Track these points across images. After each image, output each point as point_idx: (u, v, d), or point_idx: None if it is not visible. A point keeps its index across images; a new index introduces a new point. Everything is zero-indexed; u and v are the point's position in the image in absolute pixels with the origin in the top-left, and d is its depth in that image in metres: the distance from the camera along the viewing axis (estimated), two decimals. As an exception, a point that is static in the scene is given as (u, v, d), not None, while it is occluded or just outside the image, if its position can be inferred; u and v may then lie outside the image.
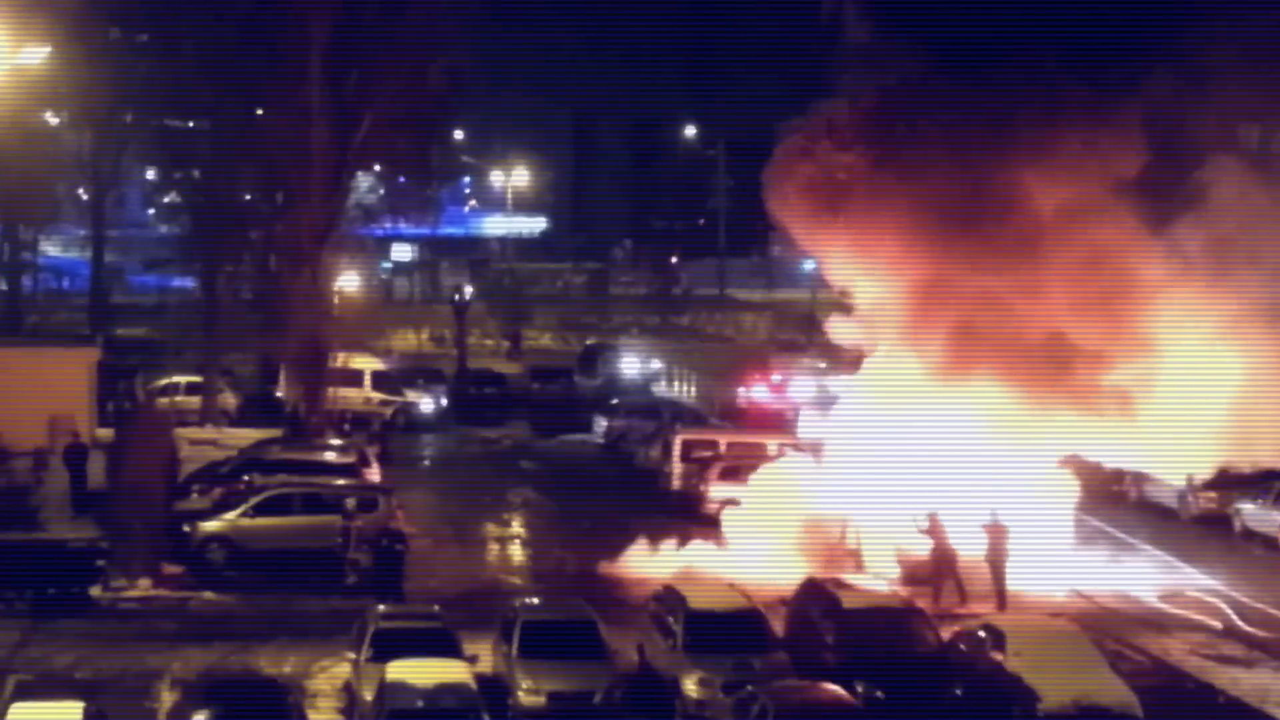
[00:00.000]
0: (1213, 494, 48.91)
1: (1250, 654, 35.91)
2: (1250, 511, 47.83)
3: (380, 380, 66.18)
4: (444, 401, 69.68)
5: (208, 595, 39.13)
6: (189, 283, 70.66)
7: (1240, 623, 38.05)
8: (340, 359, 58.90)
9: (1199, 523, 49.21)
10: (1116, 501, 48.94)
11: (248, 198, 64.78)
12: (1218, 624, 38.08)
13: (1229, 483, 47.38)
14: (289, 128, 54.71)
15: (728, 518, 43.86)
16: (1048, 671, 30.31)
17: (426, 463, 60.03)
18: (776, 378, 74.89)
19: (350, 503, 41.26)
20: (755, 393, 73.13)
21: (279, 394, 64.25)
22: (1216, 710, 32.49)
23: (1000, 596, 38.65)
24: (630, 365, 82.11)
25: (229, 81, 56.40)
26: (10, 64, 43.55)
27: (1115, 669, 31.64)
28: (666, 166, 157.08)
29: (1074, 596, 39.77)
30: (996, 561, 39.01)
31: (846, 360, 78.98)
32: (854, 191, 42.87)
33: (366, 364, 65.60)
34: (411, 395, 68.06)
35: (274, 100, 56.32)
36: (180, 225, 70.90)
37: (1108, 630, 36.62)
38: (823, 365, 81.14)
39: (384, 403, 65.33)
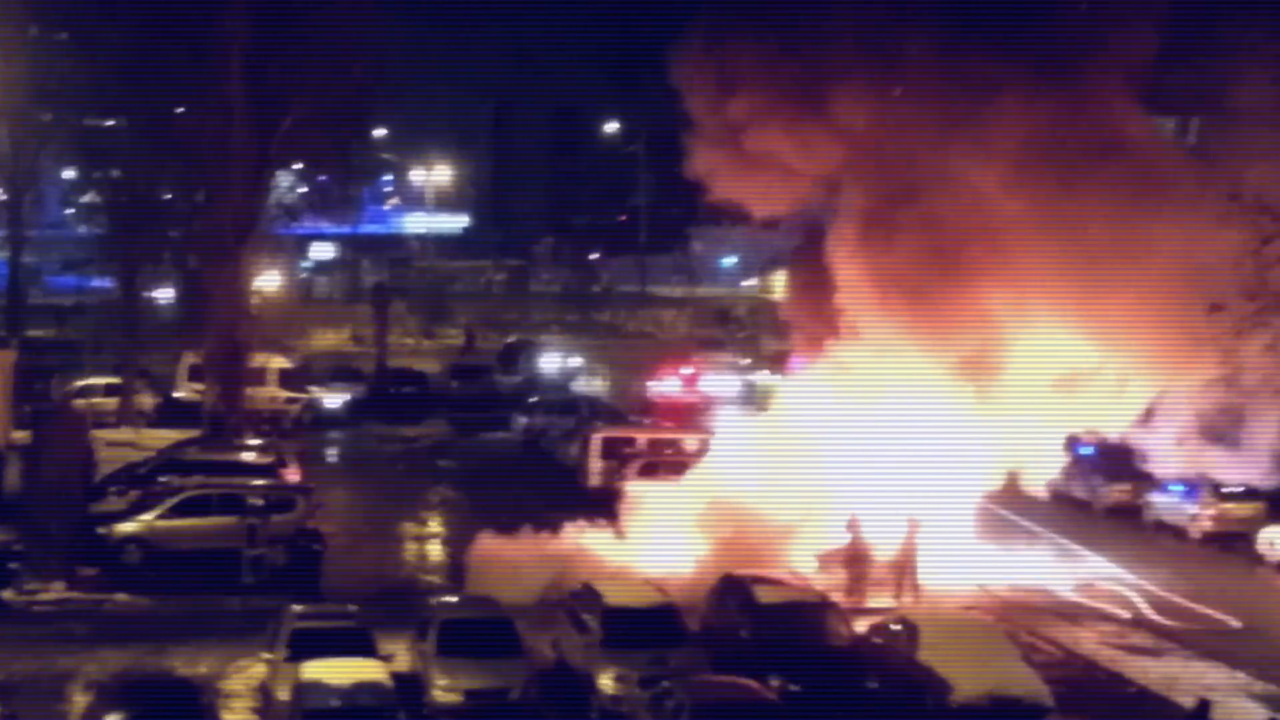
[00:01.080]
0: (1124, 486, 49.58)
1: (1159, 644, 36.41)
2: (1161, 502, 48.50)
3: (286, 378, 65.81)
4: (350, 398, 69.69)
5: (122, 597, 38.92)
6: (107, 283, 70.21)
7: (1150, 613, 38.59)
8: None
9: (1111, 514, 49.88)
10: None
11: (167, 197, 64.45)
12: (1127, 614, 38.58)
13: (1139, 474, 48.08)
14: (209, 126, 54.56)
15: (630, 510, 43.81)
16: (960, 663, 30.64)
17: (345, 462, 59.87)
18: (687, 371, 75.41)
19: (257, 501, 41.20)
20: (669, 387, 73.57)
21: (179, 395, 64.12)
22: (1126, 700, 32.92)
23: (913, 590, 39.00)
24: (550, 362, 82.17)
25: (149, 79, 56.05)
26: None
27: (1027, 660, 32.06)
28: (587, 163, 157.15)
29: (982, 590, 40.11)
30: (909, 556, 39.36)
31: (766, 357, 79.99)
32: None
33: (271, 362, 65.17)
34: (318, 392, 68.07)
35: (194, 98, 56.09)
36: (99, 225, 70.40)
37: (1020, 622, 37.06)
38: (744, 362, 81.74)
39: (290, 400, 65.06)
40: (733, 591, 34.39)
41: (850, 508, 39.98)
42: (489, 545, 40.81)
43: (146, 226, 61.91)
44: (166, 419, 62.61)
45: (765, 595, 33.68)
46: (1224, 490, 47.06)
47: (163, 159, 60.33)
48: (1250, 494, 47.02)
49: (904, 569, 39.31)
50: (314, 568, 39.23)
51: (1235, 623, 37.98)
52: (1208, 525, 47.10)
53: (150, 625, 36.30)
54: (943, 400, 41.07)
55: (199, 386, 62.51)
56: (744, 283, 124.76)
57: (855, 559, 39.56)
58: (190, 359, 64.41)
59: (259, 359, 62.20)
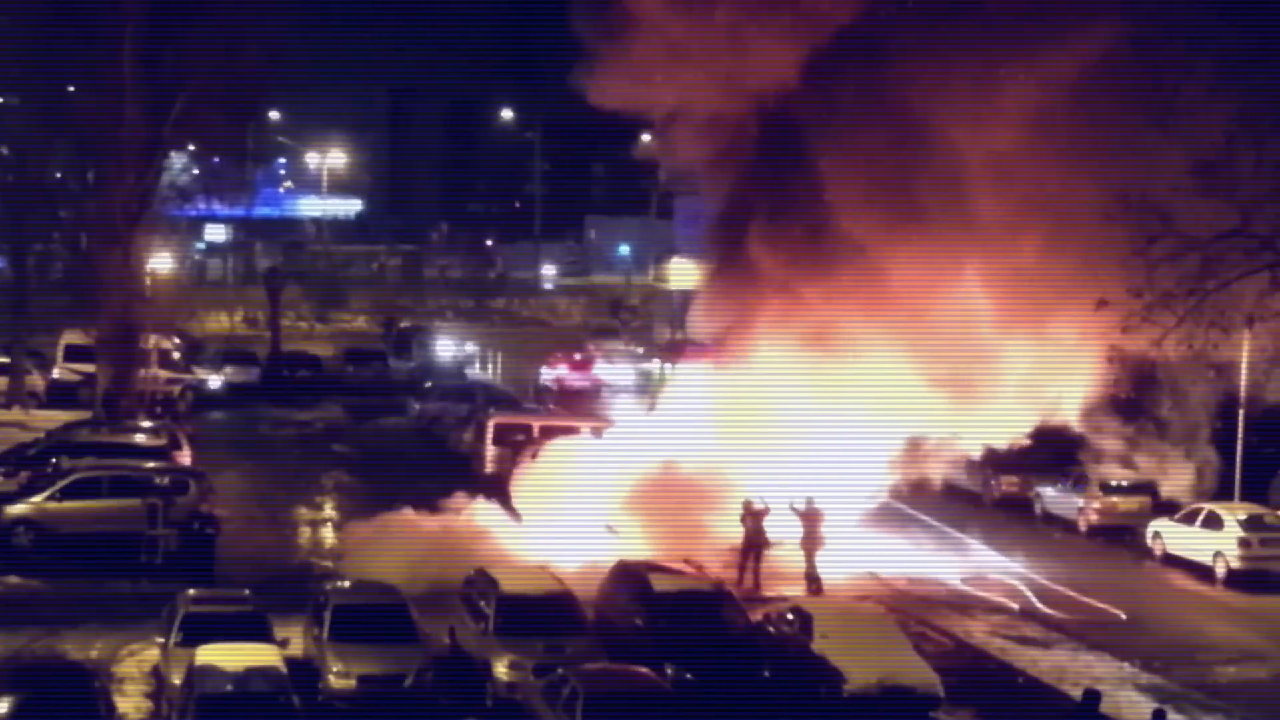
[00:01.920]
0: (1014, 478, 50.15)
1: (1049, 635, 36.85)
2: (1050, 496, 49.13)
3: (165, 359, 65.00)
4: (225, 380, 69.40)
5: (12, 580, 38.45)
6: (-4, 262, 69.47)
7: (1039, 605, 39.07)
8: None
9: (1001, 506, 50.42)
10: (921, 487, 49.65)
11: (58, 175, 63.73)
12: (1017, 606, 39.05)
13: (1029, 467, 48.68)
14: (101, 104, 54.02)
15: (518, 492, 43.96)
16: (853, 653, 30.92)
17: (238, 445, 59.51)
18: (577, 357, 75.89)
19: (162, 481, 40.92)
20: (561, 374, 73.95)
21: (55, 375, 63.51)
22: (1016, 690, 33.28)
23: (814, 580, 39.26)
24: (444, 348, 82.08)
25: (39, 56, 55.39)
26: None
27: (919, 650, 32.40)
28: (483, 150, 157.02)
29: (873, 580, 40.47)
30: (810, 546, 39.64)
31: (659, 346, 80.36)
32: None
33: (151, 343, 64.37)
34: (201, 374, 67.71)
35: (86, 76, 55.50)
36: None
37: (912, 612, 37.43)
38: (639, 350, 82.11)
39: (171, 381, 64.36)
40: (628, 580, 34.50)
41: (744, 495, 40.18)
42: (364, 528, 40.90)
43: (36, 206, 61.18)
44: (55, 400, 62.00)
45: (661, 584, 33.81)
46: (1110, 484, 47.76)
47: (53, 138, 59.63)
48: (1136, 488, 47.74)
49: (809, 558, 39.57)
50: (208, 552, 38.96)
51: (1122, 614, 38.52)
52: (1094, 518, 47.75)
53: (42, 609, 35.87)
54: (839, 397, 41.44)
55: (76, 367, 62.01)
56: (637, 272, 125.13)
57: (750, 546, 39.80)
58: (67, 339, 63.80)
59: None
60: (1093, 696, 27.23)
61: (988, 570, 42.06)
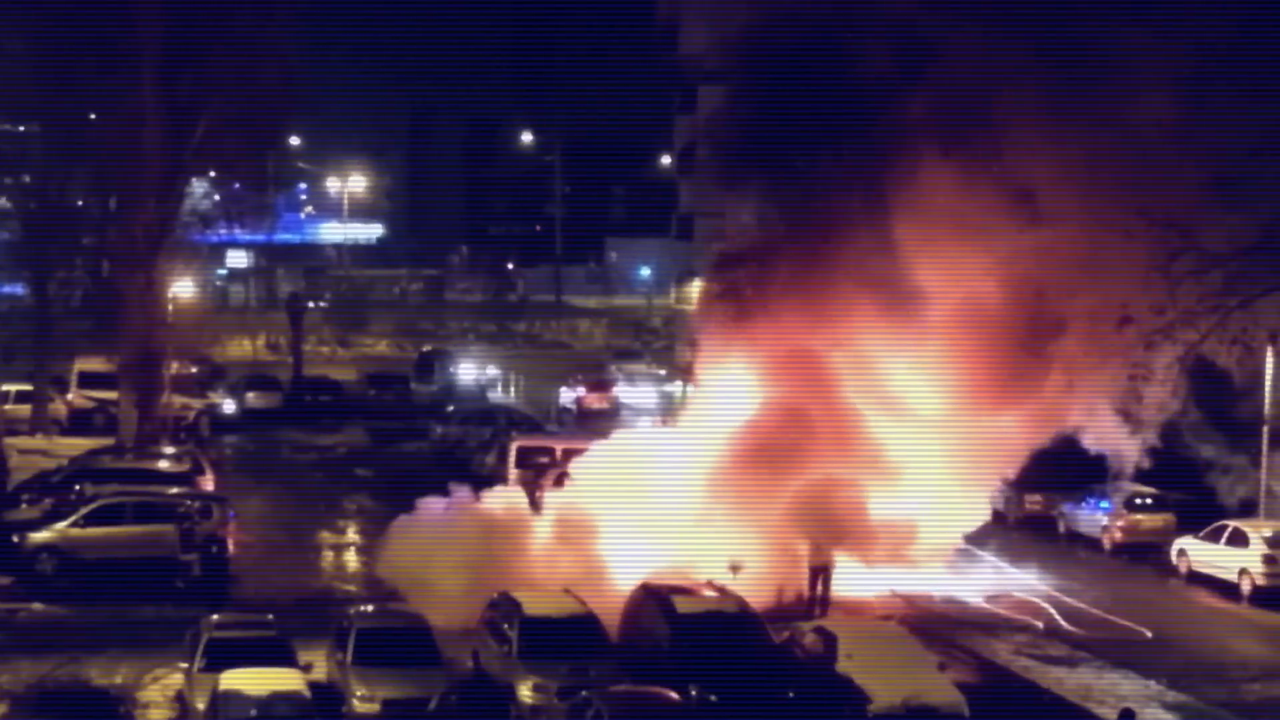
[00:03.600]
0: (1038, 497, 50.03)
1: (1074, 653, 36.74)
2: (1073, 514, 49.01)
3: (180, 384, 64.94)
4: (239, 405, 69.56)
5: (37, 606, 38.58)
6: (19, 289, 69.60)
7: (1064, 623, 38.95)
8: None
9: (1024, 524, 50.25)
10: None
11: (80, 203, 63.94)
12: (1041, 624, 38.93)
13: (1053, 485, 48.58)
14: (122, 131, 54.20)
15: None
16: (878, 673, 30.83)
17: (261, 470, 59.56)
18: (595, 379, 76.00)
19: (186, 506, 41.09)
20: (581, 395, 74.05)
21: (70, 398, 63.61)
22: (1041, 709, 33.18)
23: (825, 602, 39.21)
24: (466, 372, 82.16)
25: (61, 84, 55.63)
26: None
27: (943, 670, 32.30)
28: (503, 173, 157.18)
29: (897, 598, 40.39)
30: (825, 566, 39.59)
31: (682, 367, 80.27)
32: None
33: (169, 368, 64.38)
34: (215, 398, 67.86)
35: (107, 103, 55.70)
36: (9, 230, 69.76)
37: (936, 632, 37.29)
38: (661, 372, 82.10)
39: (186, 406, 64.41)
40: (652, 601, 34.43)
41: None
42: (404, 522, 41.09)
43: (58, 232, 61.35)
44: (77, 427, 62.14)
45: (684, 605, 33.71)
46: (1135, 502, 47.68)
47: (74, 165, 59.84)
48: (1160, 505, 47.68)
49: (824, 579, 39.50)
50: (223, 574, 39.12)
51: (1147, 632, 38.39)
52: (1118, 536, 47.64)
53: (66, 635, 35.94)
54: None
55: (90, 393, 62.16)
56: (659, 293, 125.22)
57: (818, 568, 39.70)
58: (80, 365, 63.94)
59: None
60: (1128, 716, 27.17)
61: (1012, 588, 41.96)
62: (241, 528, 43.52)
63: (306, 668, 29.93)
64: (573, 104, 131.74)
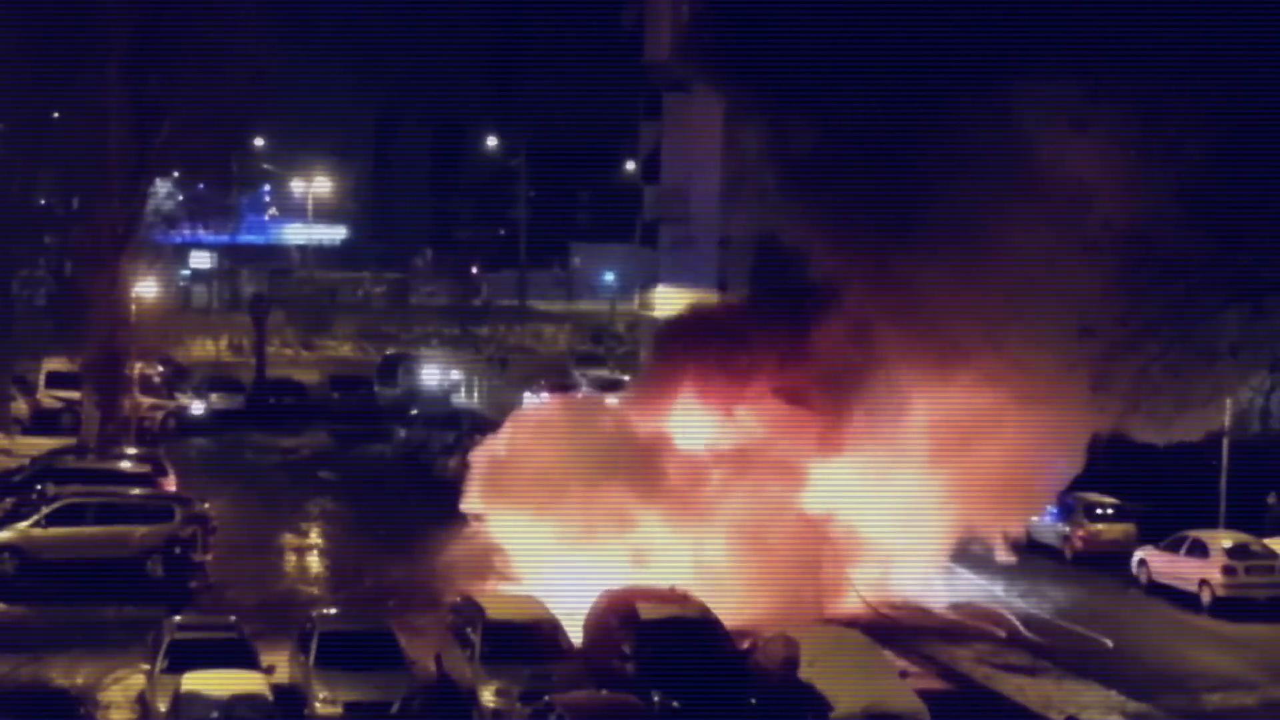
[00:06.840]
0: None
1: (1035, 662, 36.89)
2: (1035, 523, 49.14)
3: (147, 385, 64.79)
4: (207, 406, 69.42)
5: (-2, 606, 38.54)
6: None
7: (1025, 631, 39.12)
8: None
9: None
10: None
11: (43, 202, 63.65)
12: (1003, 633, 39.09)
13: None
14: (86, 130, 53.98)
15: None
16: (840, 680, 30.95)
17: (224, 471, 59.38)
18: (566, 384, 76.01)
19: (149, 507, 41.12)
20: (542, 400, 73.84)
21: (38, 398, 63.34)
22: (1001, 717, 33.32)
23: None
24: (430, 375, 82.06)
25: (25, 82, 55.37)
26: None
27: (905, 677, 32.41)
28: (468, 176, 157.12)
29: (861, 606, 40.50)
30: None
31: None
32: None
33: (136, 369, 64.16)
34: (183, 399, 67.69)
35: (71, 102, 55.47)
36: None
37: (898, 639, 37.40)
38: (624, 377, 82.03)
39: (154, 407, 64.18)
40: (615, 607, 34.46)
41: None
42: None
43: (21, 232, 61.06)
44: (39, 426, 61.90)
45: (648, 611, 33.76)
46: (1095, 511, 47.89)
47: (38, 163, 59.57)
48: (1121, 515, 47.89)
49: None
50: (190, 579, 39.02)
51: (1108, 642, 38.59)
52: (1079, 545, 47.82)
53: (27, 635, 35.79)
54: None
55: (58, 394, 61.92)
56: (623, 299, 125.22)
57: None
58: (49, 365, 63.71)
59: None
60: (1072, 723, 27.38)
61: (974, 597, 42.11)
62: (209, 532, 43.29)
63: (269, 670, 29.94)
64: (539, 109, 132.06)
